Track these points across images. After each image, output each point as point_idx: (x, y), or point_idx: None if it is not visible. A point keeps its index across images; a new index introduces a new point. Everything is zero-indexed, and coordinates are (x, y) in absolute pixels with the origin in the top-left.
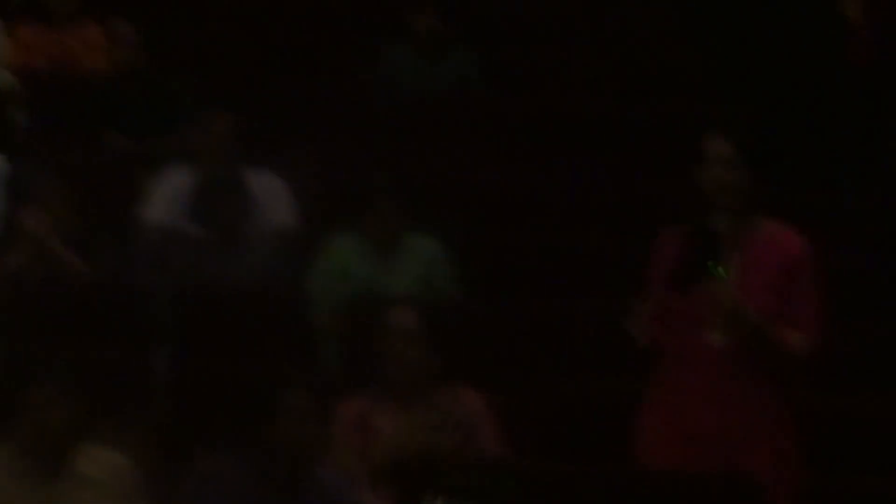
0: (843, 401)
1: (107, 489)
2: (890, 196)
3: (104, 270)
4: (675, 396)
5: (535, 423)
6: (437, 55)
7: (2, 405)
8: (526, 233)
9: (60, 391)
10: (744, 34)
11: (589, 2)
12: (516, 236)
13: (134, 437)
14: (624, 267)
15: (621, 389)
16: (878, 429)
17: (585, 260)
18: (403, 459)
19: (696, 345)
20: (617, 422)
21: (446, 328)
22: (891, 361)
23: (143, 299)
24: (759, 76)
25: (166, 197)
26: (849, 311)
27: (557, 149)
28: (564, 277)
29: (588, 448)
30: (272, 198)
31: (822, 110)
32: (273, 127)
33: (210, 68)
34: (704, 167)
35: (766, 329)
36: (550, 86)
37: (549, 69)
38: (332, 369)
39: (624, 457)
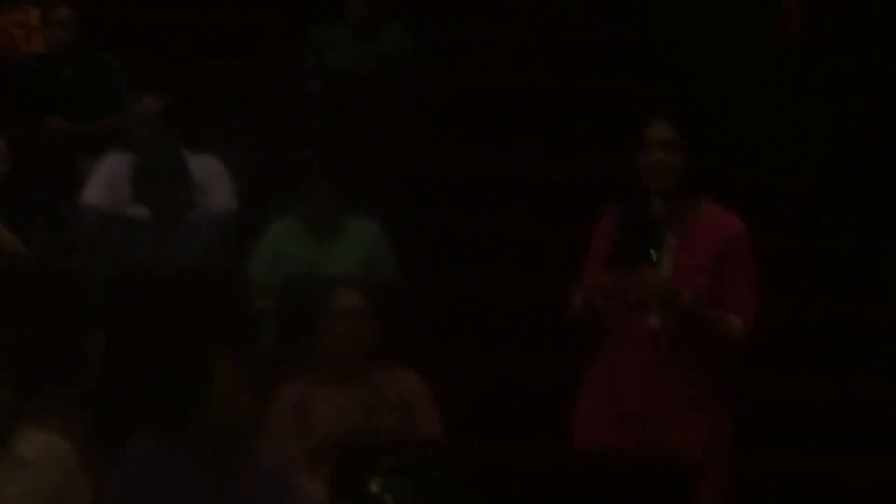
0: (776, 382)
1: (46, 471)
2: (825, 176)
3: (40, 252)
4: (611, 377)
5: (473, 404)
6: (369, 36)
7: None
8: (462, 213)
9: None
10: (679, 12)
11: None
12: (452, 217)
13: (68, 419)
14: (563, 247)
15: (560, 370)
16: (810, 409)
17: (523, 240)
18: (341, 440)
19: (633, 327)
20: (555, 402)
21: (385, 309)
22: (824, 342)
23: (78, 281)
24: (694, 56)
25: (105, 180)
26: (783, 292)
27: (493, 128)
28: (502, 258)
29: (526, 429)
30: (212, 180)
31: (756, 91)
32: (207, 109)
33: (144, 50)
34: (644, 150)
35: (701, 312)
36: (486, 65)
37: (484, 48)
38: (270, 352)
39: (562, 437)
